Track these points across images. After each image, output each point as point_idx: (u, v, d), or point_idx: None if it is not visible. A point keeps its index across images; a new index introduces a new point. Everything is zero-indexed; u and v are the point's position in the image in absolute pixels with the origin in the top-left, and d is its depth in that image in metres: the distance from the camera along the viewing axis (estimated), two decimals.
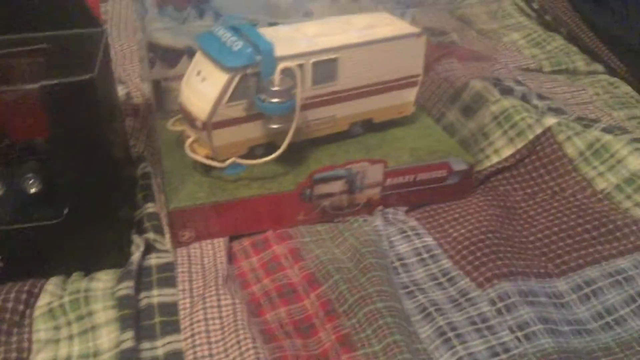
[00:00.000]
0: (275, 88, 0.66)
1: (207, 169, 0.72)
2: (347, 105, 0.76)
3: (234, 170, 0.72)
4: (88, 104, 0.59)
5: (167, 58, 0.81)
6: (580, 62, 1.11)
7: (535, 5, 1.29)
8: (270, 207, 0.70)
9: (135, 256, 0.63)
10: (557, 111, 0.90)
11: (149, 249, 0.66)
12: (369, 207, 0.74)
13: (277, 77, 0.67)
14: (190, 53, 0.77)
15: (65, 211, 0.61)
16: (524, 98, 0.90)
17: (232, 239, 0.70)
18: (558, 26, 1.21)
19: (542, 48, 1.17)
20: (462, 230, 0.69)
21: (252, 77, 0.67)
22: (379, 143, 0.79)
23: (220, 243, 0.68)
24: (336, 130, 0.77)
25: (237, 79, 0.67)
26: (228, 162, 0.70)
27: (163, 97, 0.82)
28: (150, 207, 0.71)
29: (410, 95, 0.80)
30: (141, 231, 0.69)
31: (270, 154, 0.70)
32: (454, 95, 0.86)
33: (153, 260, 0.65)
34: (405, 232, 0.70)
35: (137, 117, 0.86)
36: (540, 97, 0.93)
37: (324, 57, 0.71)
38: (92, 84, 0.58)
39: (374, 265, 0.62)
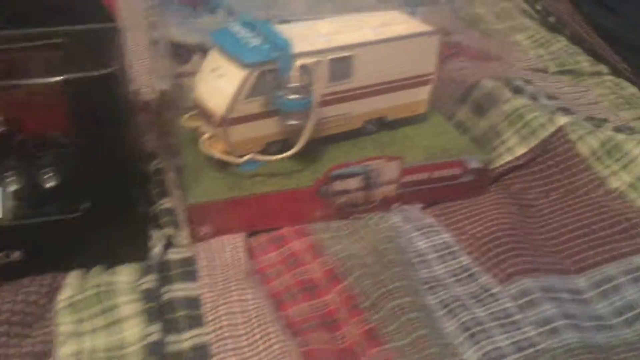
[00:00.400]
0: (293, 85, 0.66)
1: (223, 165, 0.72)
2: (361, 103, 0.76)
3: (251, 167, 0.71)
4: (109, 98, 0.58)
5: (179, 54, 0.81)
6: (584, 62, 1.11)
7: (538, 7, 1.30)
8: (287, 203, 0.70)
9: (157, 250, 0.63)
10: (566, 111, 0.90)
11: (167, 244, 0.66)
12: (385, 204, 0.74)
13: (295, 73, 0.67)
14: (203, 49, 0.77)
15: (85, 205, 0.60)
16: (533, 97, 0.90)
17: (249, 235, 0.70)
18: (561, 27, 1.22)
19: (546, 49, 1.17)
20: (479, 227, 0.69)
21: (269, 73, 0.67)
22: (392, 141, 0.79)
23: (238, 238, 0.68)
24: (350, 128, 0.77)
25: (255, 76, 0.67)
26: (245, 157, 0.69)
27: (175, 93, 0.81)
28: (165, 203, 0.71)
29: (423, 93, 0.80)
30: (157, 226, 0.68)
31: (285, 150, 0.70)
32: (465, 94, 0.87)
33: (172, 255, 0.65)
34: (422, 229, 0.70)
35: (148, 113, 0.85)
36: (549, 96, 0.94)
37: (341, 54, 0.71)
38: (115, 77, 0.58)
39: (395, 261, 0.63)
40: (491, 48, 1.06)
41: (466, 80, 0.88)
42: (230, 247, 0.66)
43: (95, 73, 0.57)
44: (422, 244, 0.68)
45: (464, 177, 0.76)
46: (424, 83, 0.80)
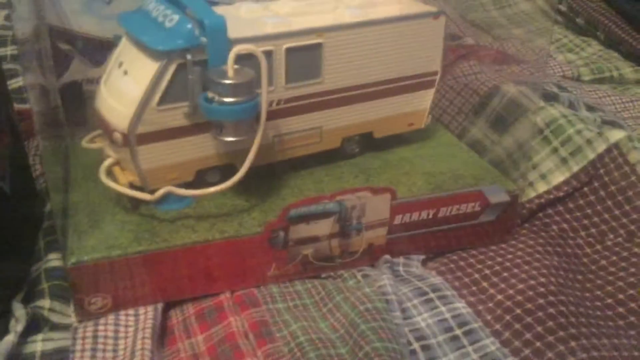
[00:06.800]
0: (228, 81, 0.44)
1: (135, 205, 0.49)
2: (337, 113, 0.54)
3: (174, 205, 0.49)
4: None
5: (90, 52, 0.59)
6: (627, 68, 0.90)
7: (562, 8, 1.08)
8: (226, 258, 0.48)
9: (7, 339, 0.41)
10: (612, 125, 0.68)
11: (38, 324, 0.43)
12: (371, 255, 0.52)
13: (230, 65, 0.44)
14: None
15: None
16: (572, 107, 0.68)
17: (171, 306, 0.48)
18: (593, 29, 1.00)
19: (576, 54, 0.95)
20: (510, 291, 0.47)
21: (195, 67, 0.45)
22: (382, 166, 0.57)
23: (148, 314, 0.45)
24: (323, 148, 0.55)
25: (172, 69, 0.45)
26: (159, 192, 0.47)
27: (86, 106, 0.60)
28: (54, 260, 0.48)
29: (423, 100, 0.58)
30: (33, 296, 0.46)
31: (224, 181, 0.48)
32: (480, 104, 0.65)
33: (39, 343, 0.42)
34: (425, 293, 0.47)
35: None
36: (589, 107, 0.71)
37: (303, 41, 0.49)
38: None
39: (381, 353, 0.40)
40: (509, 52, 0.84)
41: (481, 87, 0.66)
42: (132, 328, 0.44)
43: None
44: (424, 318, 0.45)
45: (484, 215, 0.53)
46: (425, 86, 0.57)
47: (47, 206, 0.55)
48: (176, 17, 0.45)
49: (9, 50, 0.79)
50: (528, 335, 0.43)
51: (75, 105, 0.58)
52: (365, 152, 0.58)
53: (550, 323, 0.43)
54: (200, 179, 0.50)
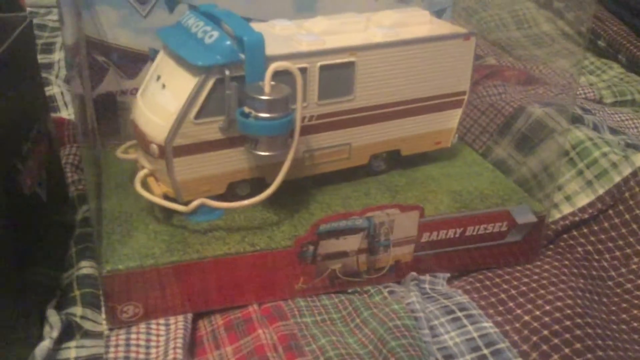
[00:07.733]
0: (265, 97, 0.45)
1: (167, 215, 0.50)
2: (367, 130, 0.55)
3: (205, 217, 0.50)
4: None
5: (125, 65, 0.60)
6: None
7: (583, 29, 1.08)
8: (255, 270, 0.48)
9: (44, 345, 0.41)
10: (636, 148, 0.68)
11: (70, 331, 0.44)
12: (397, 272, 0.52)
13: (267, 81, 0.45)
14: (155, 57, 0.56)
15: None
16: (596, 129, 0.68)
17: (199, 317, 0.48)
18: (614, 52, 1.00)
19: (598, 76, 0.96)
20: (537, 312, 0.47)
21: (232, 82, 0.46)
22: (408, 184, 0.57)
23: (178, 324, 0.46)
24: (351, 165, 0.56)
25: (209, 84, 0.46)
26: (194, 204, 0.48)
27: (119, 116, 0.61)
28: (85, 267, 0.49)
29: (451, 120, 0.59)
30: (66, 303, 0.47)
31: (258, 194, 0.48)
32: (505, 124, 0.65)
33: (73, 350, 0.43)
34: (452, 312, 0.48)
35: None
36: (613, 130, 0.72)
37: (336, 59, 0.50)
38: None
39: None
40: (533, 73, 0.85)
41: (506, 107, 0.67)
42: (163, 337, 0.45)
43: None
44: (451, 337, 0.46)
45: (511, 235, 0.54)
46: (453, 106, 0.58)
47: (77, 214, 0.56)
48: (216, 33, 0.46)
49: (39, 58, 0.81)
50: (555, 357, 0.43)
51: (109, 116, 0.60)
52: (392, 170, 0.58)
53: (578, 345, 0.44)
54: (230, 192, 0.51)
